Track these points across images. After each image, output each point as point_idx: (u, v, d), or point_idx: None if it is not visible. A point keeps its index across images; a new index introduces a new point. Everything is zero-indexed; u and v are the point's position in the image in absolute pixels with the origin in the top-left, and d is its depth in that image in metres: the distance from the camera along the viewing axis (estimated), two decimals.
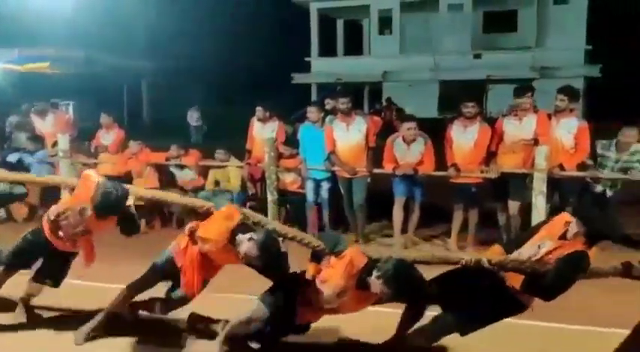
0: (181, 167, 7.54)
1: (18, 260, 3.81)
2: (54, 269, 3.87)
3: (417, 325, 3.48)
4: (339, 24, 26.61)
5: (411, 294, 3.14)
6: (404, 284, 3.09)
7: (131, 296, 3.76)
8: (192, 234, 3.52)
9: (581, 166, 6.12)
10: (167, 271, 3.64)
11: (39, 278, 3.89)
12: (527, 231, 3.67)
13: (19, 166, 7.27)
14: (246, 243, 3.25)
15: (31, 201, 7.48)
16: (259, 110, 7.40)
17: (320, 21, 25.32)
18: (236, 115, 16.36)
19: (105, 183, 3.56)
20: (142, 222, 7.24)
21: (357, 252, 3.26)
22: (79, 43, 15.12)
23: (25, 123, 8.92)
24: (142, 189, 4.49)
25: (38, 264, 3.87)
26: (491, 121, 6.66)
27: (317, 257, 3.41)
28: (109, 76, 17.37)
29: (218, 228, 3.39)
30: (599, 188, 6.17)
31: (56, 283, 3.89)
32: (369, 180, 6.68)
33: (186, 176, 7.55)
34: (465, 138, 6.29)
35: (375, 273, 3.12)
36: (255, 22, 25.88)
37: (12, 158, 7.75)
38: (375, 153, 6.66)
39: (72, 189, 3.83)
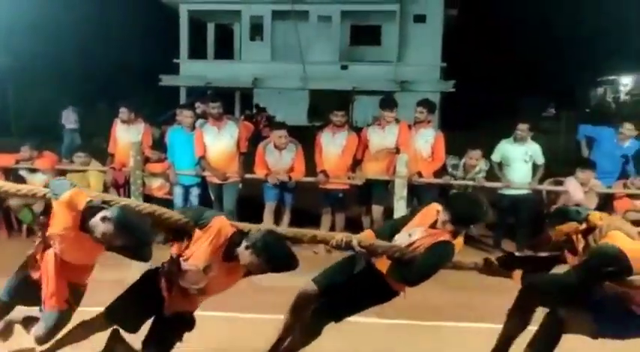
0: (33, 170, 6.90)
1: None
2: None
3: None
4: (210, 27, 26.21)
5: (280, 265, 3.03)
6: (274, 253, 2.98)
7: None
8: (43, 239, 3.14)
9: (437, 173, 6.65)
10: (24, 290, 3.22)
11: None
12: (400, 218, 3.79)
13: None
14: (101, 225, 2.87)
15: None
16: (123, 111, 7.03)
17: (190, 23, 24.72)
18: (97, 116, 15.40)
19: None
20: None
21: (223, 222, 3.06)
22: None
23: None
24: None
25: None
26: (357, 131, 6.99)
27: (179, 235, 3.14)
28: None
29: (63, 220, 2.97)
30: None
31: None
32: (240, 185, 6.66)
33: (38, 180, 6.91)
34: (333, 145, 6.53)
35: (244, 243, 2.98)
36: (122, 21, 24.55)
37: None
38: (247, 158, 6.66)
39: None
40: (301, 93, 23.61)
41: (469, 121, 19.13)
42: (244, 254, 2.97)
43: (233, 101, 24.02)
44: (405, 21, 24.05)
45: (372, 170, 6.57)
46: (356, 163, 6.63)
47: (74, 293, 3.22)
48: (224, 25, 26.54)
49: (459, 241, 3.22)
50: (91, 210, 2.94)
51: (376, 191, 6.53)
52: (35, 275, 3.20)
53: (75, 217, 2.95)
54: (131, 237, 2.90)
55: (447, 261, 3.19)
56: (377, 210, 6.53)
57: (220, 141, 6.49)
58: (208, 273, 3.05)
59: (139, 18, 24.63)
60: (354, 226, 6.75)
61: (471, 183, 6.62)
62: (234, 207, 6.53)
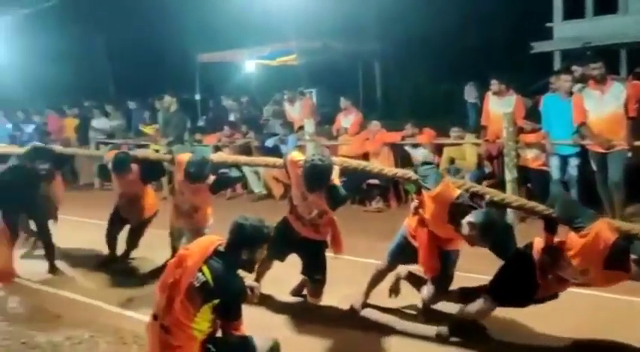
0: (415, 145, 7.59)
1: (271, 249, 3.92)
2: (311, 264, 3.99)
3: None
4: None
5: None
6: None
7: (375, 284, 3.97)
8: (417, 213, 3.51)
9: None
10: (404, 253, 3.72)
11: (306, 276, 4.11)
12: None
13: (275, 151, 8.13)
14: (467, 228, 3.11)
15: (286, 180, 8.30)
16: (495, 83, 7.04)
17: None
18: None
19: (308, 158, 3.67)
20: (380, 201, 7.57)
21: (604, 228, 2.84)
22: (316, 33, 16.26)
23: (279, 111, 10.03)
24: (345, 159, 4.55)
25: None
26: None
27: (551, 226, 3.13)
28: (343, 61, 18.37)
29: (431, 209, 3.29)
30: None
31: (317, 280, 3.98)
32: (628, 154, 5.90)
33: (419, 154, 7.57)
34: None
35: (632, 256, 2.71)
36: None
37: (269, 143, 8.74)
38: (637, 123, 5.79)
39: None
40: None
41: None
42: (633, 267, 2.78)
43: (618, 60, 21.20)
44: None
45: None
46: None
47: (446, 258, 3.50)
48: None
49: None
50: (459, 207, 3.17)
51: None
52: (415, 243, 3.61)
53: (442, 211, 3.23)
54: (492, 241, 3.06)
55: None
56: None
57: (604, 106, 5.83)
58: (586, 276, 2.96)
59: None
60: None
61: None
62: (620, 179, 5.83)
